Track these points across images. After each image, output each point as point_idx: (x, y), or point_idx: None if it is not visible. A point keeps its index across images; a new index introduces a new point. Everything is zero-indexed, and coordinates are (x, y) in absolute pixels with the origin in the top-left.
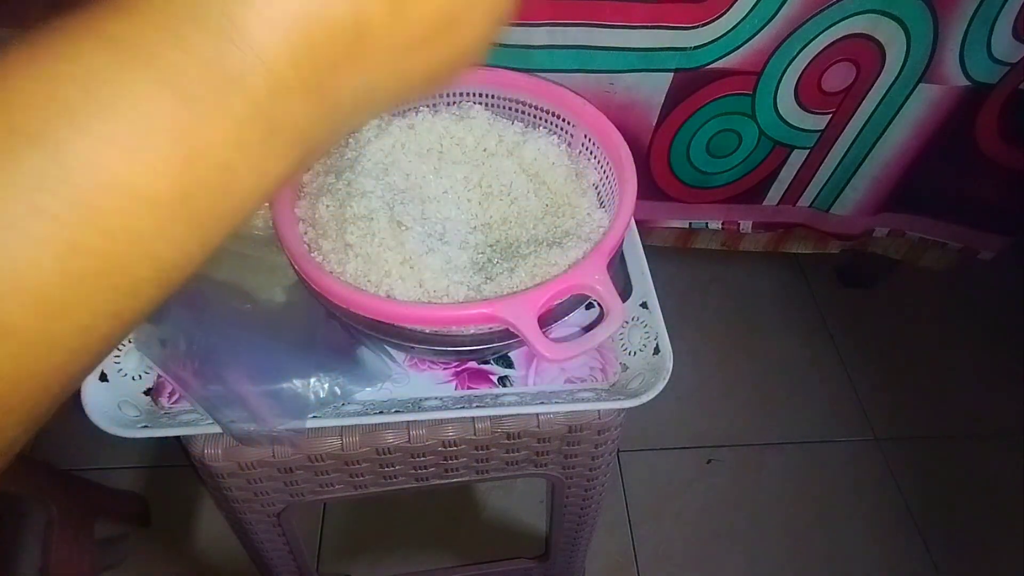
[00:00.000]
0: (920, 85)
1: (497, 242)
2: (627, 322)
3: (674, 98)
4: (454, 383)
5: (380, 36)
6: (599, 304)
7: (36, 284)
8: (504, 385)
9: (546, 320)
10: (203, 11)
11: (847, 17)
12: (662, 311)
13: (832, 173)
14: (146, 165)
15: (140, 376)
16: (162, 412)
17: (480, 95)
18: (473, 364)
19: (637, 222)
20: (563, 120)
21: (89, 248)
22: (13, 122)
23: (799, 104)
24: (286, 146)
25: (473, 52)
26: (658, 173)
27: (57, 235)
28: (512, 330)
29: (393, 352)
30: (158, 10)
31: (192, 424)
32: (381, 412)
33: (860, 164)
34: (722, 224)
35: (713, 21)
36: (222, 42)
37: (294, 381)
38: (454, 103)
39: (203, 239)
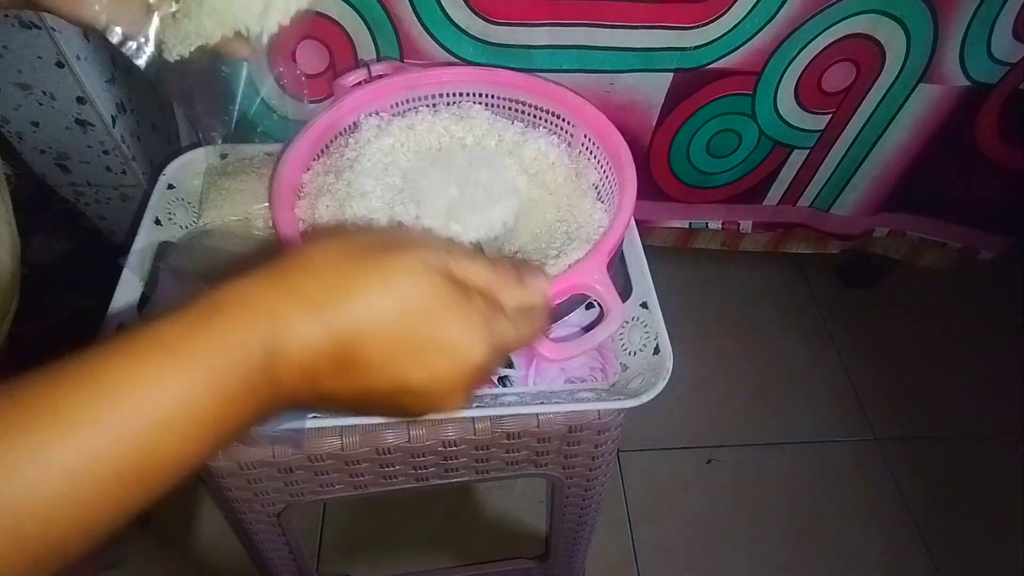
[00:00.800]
0: (920, 85)
1: (497, 242)
2: (627, 322)
3: (674, 98)
4: None
5: (338, 400)
6: (599, 304)
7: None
8: (504, 385)
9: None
10: (256, 337)
11: (847, 17)
12: (662, 311)
13: (832, 173)
14: (189, 445)
15: None
16: None
17: (480, 95)
18: None
19: (637, 222)
20: (563, 120)
21: (134, 498)
22: (113, 422)
23: (799, 104)
24: (256, 423)
25: (408, 416)
26: (658, 173)
27: (119, 492)
28: None
29: None
30: (239, 350)
31: None
32: None
33: (860, 164)
34: (722, 224)
35: (713, 21)
36: (262, 363)
37: None
38: (454, 103)
39: (198, 470)
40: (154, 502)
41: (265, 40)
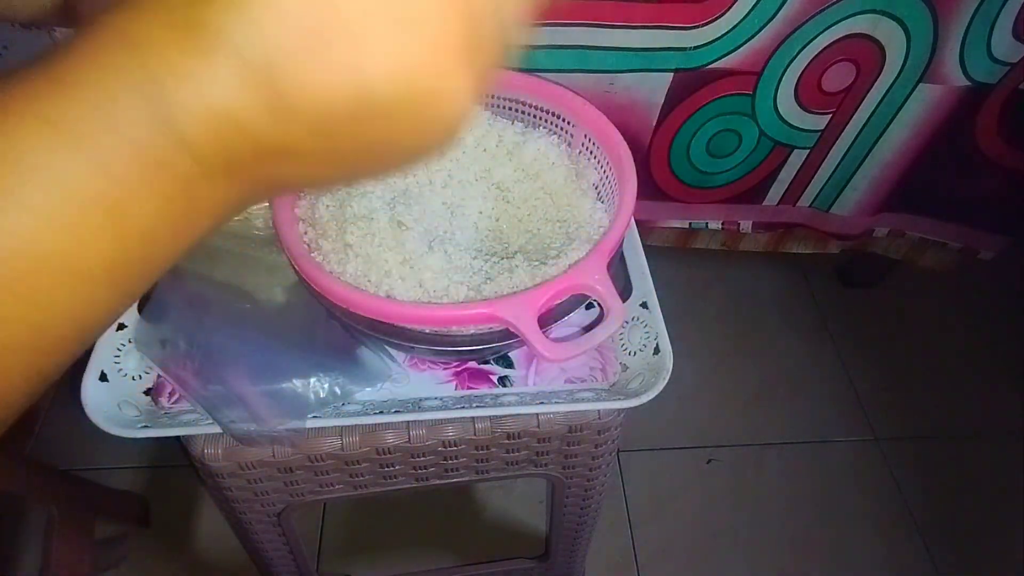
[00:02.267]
0: (920, 85)
1: (497, 242)
2: (627, 322)
3: (674, 98)
4: (454, 383)
5: (297, 146)
6: (599, 304)
7: None
8: (504, 385)
9: (546, 320)
10: (137, 98)
11: (847, 17)
12: (662, 311)
13: (832, 173)
14: (76, 238)
15: (140, 376)
16: (162, 412)
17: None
18: (473, 364)
19: (637, 222)
20: (563, 120)
21: (16, 317)
22: None
23: (799, 104)
24: (204, 217)
25: (408, 157)
26: (658, 173)
27: None
28: (512, 330)
29: (393, 352)
30: (96, 93)
31: (192, 424)
32: (381, 412)
33: (860, 164)
34: (722, 224)
35: (713, 21)
36: (154, 129)
37: (294, 381)
38: None
39: (124, 297)
40: (73, 322)
41: None
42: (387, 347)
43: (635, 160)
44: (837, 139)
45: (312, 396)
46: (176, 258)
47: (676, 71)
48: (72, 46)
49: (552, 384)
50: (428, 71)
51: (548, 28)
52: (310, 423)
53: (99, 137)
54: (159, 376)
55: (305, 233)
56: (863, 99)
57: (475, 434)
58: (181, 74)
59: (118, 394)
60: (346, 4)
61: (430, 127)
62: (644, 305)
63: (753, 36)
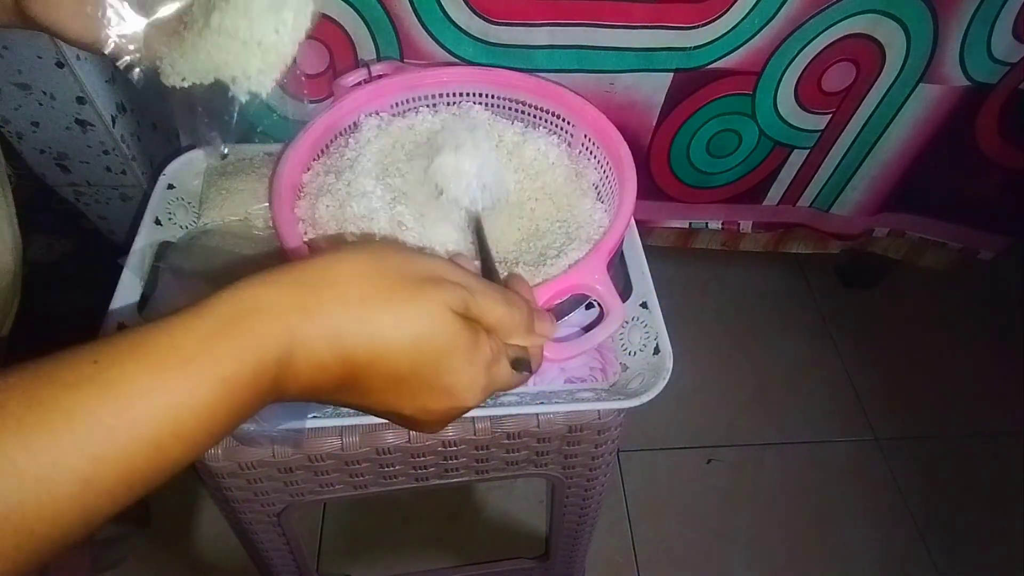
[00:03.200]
0: (920, 85)
1: (497, 242)
2: (627, 322)
3: (674, 98)
4: None
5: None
6: (599, 304)
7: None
8: None
9: None
10: (272, 369)
11: (847, 17)
12: (662, 311)
13: (832, 173)
14: (192, 448)
15: None
16: None
17: (480, 95)
18: None
19: (637, 222)
20: (563, 120)
21: (106, 491)
22: (114, 426)
23: (799, 104)
24: (238, 424)
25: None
26: (658, 173)
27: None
28: None
29: None
30: (254, 364)
31: None
32: None
33: (860, 164)
34: (722, 224)
35: (713, 21)
36: (271, 388)
37: None
38: (454, 103)
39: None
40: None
41: (261, 93)
42: None
43: (635, 160)
44: (837, 139)
45: None
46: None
47: (676, 71)
48: (243, 314)
49: (552, 384)
50: (430, 427)
51: (549, 28)
52: (310, 423)
53: (244, 392)
54: None
55: (305, 233)
56: (863, 99)
57: (475, 434)
58: (310, 358)
59: None
60: (426, 380)
61: (411, 428)
62: (644, 305)
63: (753, 36)
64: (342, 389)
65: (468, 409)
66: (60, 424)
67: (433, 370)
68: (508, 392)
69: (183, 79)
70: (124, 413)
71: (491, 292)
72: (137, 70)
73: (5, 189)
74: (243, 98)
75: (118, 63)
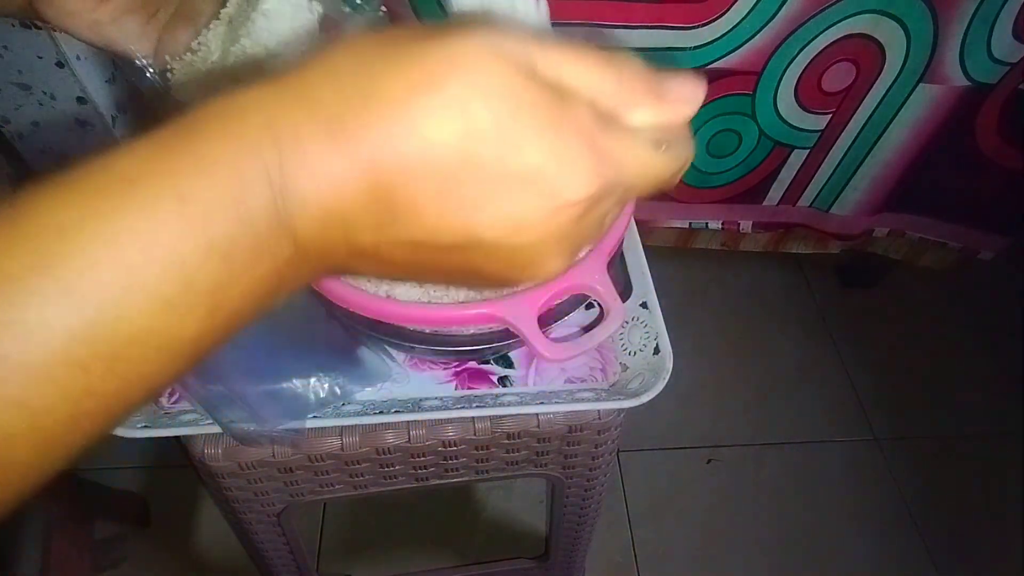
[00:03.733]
0: (920, 85)
1: None
2: (627, 322)
3: None
4: (454, 383)
5: (384, 256)
6: (599, 304)
7: (47, 426)
8: (504, 385)
9: (546, 320)
10: (266, 186)
11: (847, 17)
12: (662, 311)
13: (832, 173)
14: (177, 318)
15: None
16: (162, 412)
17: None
18: (473, 364)
19: (637, 222)
20: None
21: (104, 392)
22: (67, 279)
23: (799, 104)
24: (282, 296)
25: (481, 287)
26: None
27: (79, 382)
28: (512, 330)
29: (393, 352)
30: (230, 175)
31: (192, 424)
32: (381, 412)
33: (860, 164)
34: (722, 224)
35: (713, 21)
36: (272, 218)
37: (294, 381)
38: None
39: (196, 362)
40: (148, 394)
41: None
42: (387, 347)
43: None
44: (837, 139)
45: (312, 396)
46: (245, 327)
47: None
48: (210, 118)
49: (552, 384)
50: (535, 253)
51: None
52: (310, 423)
53: (222, 219)
54: None
55: None
56: (863, 99)
57: (475, 434)
58: (309, 166)
59: None
60: (490, 167)
61: (515, 279)
62: (644, 305)
63: (753, 36)
64: (384, 221)
65: (587, 208)
66: None
67: (500, 150)
68: (509, 392)
69: (188, 96)
70: (57, 272)
71: (573, 47)
72: (147, 77)
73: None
74: None
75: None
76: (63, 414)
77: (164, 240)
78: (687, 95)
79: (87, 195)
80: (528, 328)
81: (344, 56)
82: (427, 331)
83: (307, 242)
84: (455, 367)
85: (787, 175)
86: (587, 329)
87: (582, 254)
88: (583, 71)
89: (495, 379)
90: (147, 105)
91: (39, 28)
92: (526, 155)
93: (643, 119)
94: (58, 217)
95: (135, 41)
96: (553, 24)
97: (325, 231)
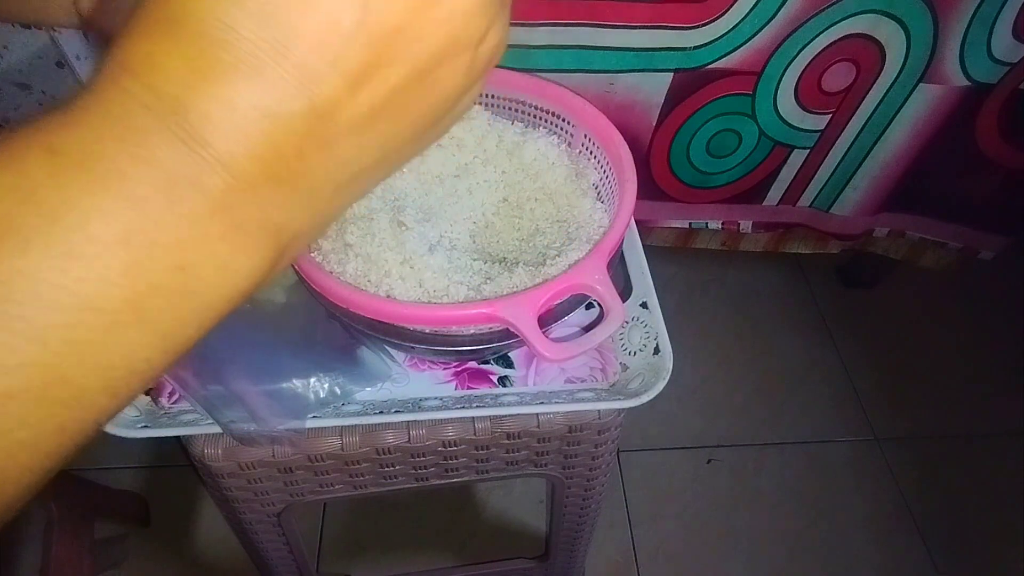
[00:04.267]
0: (920, 85)
1: (497, 242)
2: (627, 322)
3: (674, 98)
4: (454, 383)
5: (342, 114)
6: (599, 304)
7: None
8: (504, 385)
9: (546, 320)
10: (156, 119)
11: (847, 17)
12: (662, 311)
13: (832, 173)
14: (92, 273)
15: None
16: (162, 412)
17: (480, 95)
18: (473, 364)
19: (637, 222)
20: (563, 120)
21: (29, 363)
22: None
23: (799, 104)
24: (257, 238)
25: (453, 101)
26: (658, 173)
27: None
28: (512, 330)
29: (393, 352)
30: (107, 120)
31: (192, 424)
32: (381, 412)
33: (860, 164)
34: (722, 224)
35: (713, 21)
36: (176, 147)
37: (294, 381)
38: None
39: (164, 343)
40: (102, 361)
41: None
42: (387, 347)
43: (635, 160)
44: (837, 139)
45: (312, 396)
46: (233, 295)
47: (676, 71)
48: (80, 89)
49: (552, 384)
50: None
51: (548, 28)
52: (310, 423)
53: (113, 162)
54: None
55: None
56: (863, 99)
57: (475, 434)
58: (201, 88)
59: None
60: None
61: (468, 54)
62: (644, 305)
63: (753, 36)
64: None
65: None
66: None
67: None
68: (509, 392)
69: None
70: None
71: None
72: None
73: None
74: None
75: None
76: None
77: (53, 197)
78: None
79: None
80: (528, 328)
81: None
82: (427, 331)
83: (241, 160)
84: (455, 367)
85: (787, 175)
86: (587, 329)
87: (580, 254)
88: None
89: (495, 379)
90: None
91: (39, 28)
92: None
93: None
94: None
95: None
96: (553, 24)
97: (253, 137)
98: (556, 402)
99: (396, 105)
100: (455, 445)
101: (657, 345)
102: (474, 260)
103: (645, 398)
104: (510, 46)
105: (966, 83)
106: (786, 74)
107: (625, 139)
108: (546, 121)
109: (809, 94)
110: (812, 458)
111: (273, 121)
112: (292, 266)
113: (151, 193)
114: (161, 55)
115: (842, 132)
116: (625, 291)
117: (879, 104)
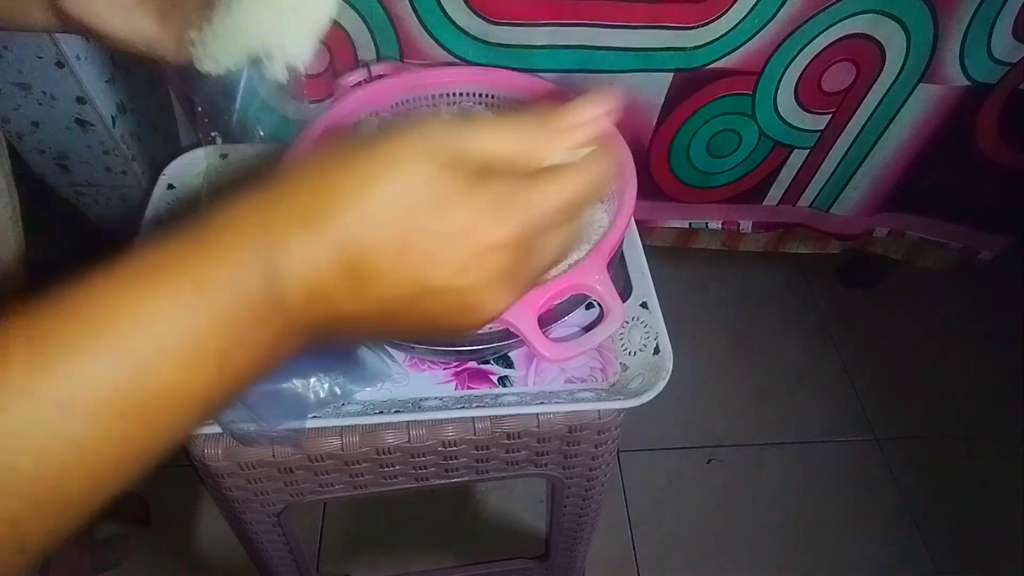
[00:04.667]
0: (920, 85)
1: None
2: (627, 322)
3: (674, 98)
4: (454, 383)
5: (366, 319)
6: (599, 304)
7: (95, 464)
8: (504, 385)
9: (546, 320)
10: (258, 268)
11: (847, 17)
12: (662, 311)
13: (832, 173)
14: (192, 377)
15: None
16: None
17: (480, 95)
18: (473, 364)
19: (637, 222)
20: None
21: (136, 438)
22: (112, 344)
23: (799, 104)
24: (278, 361)
25: (444, 334)
26: (658, 173)
27: (118, 427)
28: (512, 330)
29: (393, 352)
30: (231, 258)
31: None
32: (381, 412)
33: (860, 164)
34: (722, 224)
35: (713, 21)
36: (265, 293)
37: (294, 381)
38: (455, 103)
39: (209, 416)
40: (168, 443)
41: (299, 66)
42: (387, 347)
43: (635, 160)
44: (837, 139)
45: (312, 396)
46: (245, 390)
47: (676, 71)
48: (216, 220)
49: (552, 384)
50: (479, 293)
51: (549, 28)
52: (310, 423)
53: (227, 297)
54: None
55: None
56: (863, 99)
57: (475, 434)
58: (293, 253)
59: None
60: (428, 232)
61: (468, 322)
62: (644, 305)
63: (753, 36)
64: (356, 287)
65: (514, 246)
66: (36, 351)
67: (431, 216)
68: (509, 392)
69: (217, 63)
70: (100, 334)
71: (489, 124)
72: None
73: (12, 190)
74: (281, 76)
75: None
76: (106, 455)
77: (182, 314)
78: (581, 116)
79: (125, 282)
80: (528, 328)
81: (312, 163)
82: None
83: (295, 313)
84: (455, 367)
85: (787, 175)
86: (587, 329)
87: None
88: (496, 141)
89: (495, 379)
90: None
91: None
92: (452, 216)
93: (555, 155)
94: (105, 298)
95: (160, 32)
96: (554, 24)
97: (310, 302)
98: (556, 402)
99: (397, 316)
100: (455, 445)
101: (657, 345)
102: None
103: (645, 398)
104: (510, 46)
105: (966, 83)
106: (786, 74)
107: (625, 139)
108: None
109: (809, 94)
110: (812, 458)
111: (327, 300)
112: None
113: (243, 325)
114: (284, 225)
115: (842, 132)
116: (625, 291)
117: (879, 104)
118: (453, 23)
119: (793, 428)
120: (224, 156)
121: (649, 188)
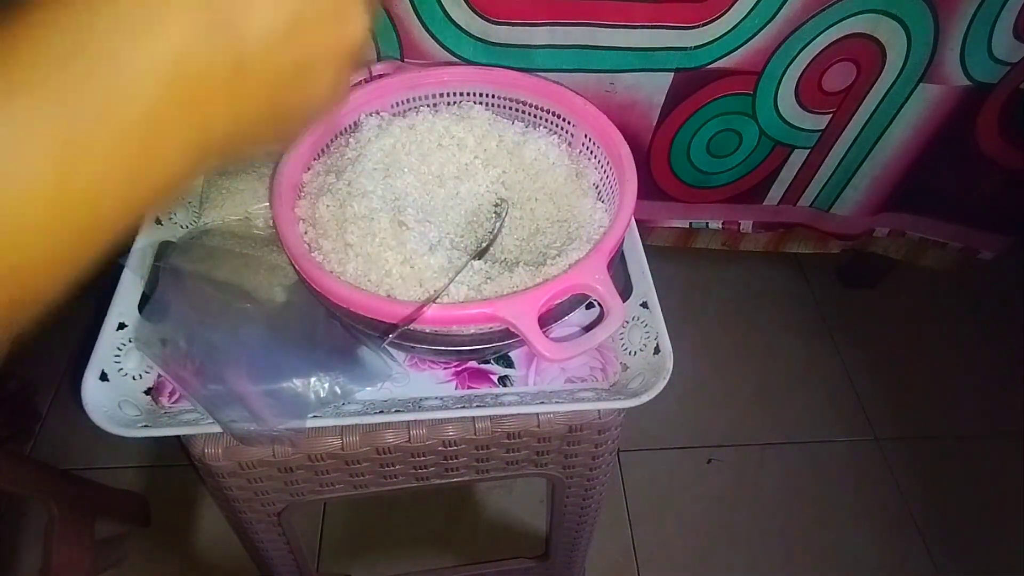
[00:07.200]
0: (921, 85)
1: (497, 242)
2: (627, 322)
3: (674, 98)
4: (454, 383)
5: (253, 76)
6: (599, 304)
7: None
8: (504, 385)
9: (546, 320)
10: (90, 46)
11: (848, 17)
12: (662, 311)
13: (832, 173)
14: (29, 165)
15: (140, 375)
16: (162, 411)
17: (480, 95)
18: (473, 364)
19: (637, 222)
20: (563, 120)
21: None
22: None
23: (800, 104)
24: (157, 165)
25: (329, 93)
26: (658, 173)
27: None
28: (512, 330)
29: (393, 352)
30: (51, 41)
31: (192, 424)
32: (381, 412)
33: (860, 164)
34: (722, 224)
35: (713, 21)
36: (106, 71)
37: (294, 381)
38: (455, 103)
39: (72, 252)
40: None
41: None
42: (388, 347)
43: (635, 160)
44: (838, 139)
45: (312, 396)
46: (125, 216)
47: (676, 71)
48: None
49: (552, 384)
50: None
51: (548, 28)
52: (310, 423)
53: (55, 77)
54: (159, 375)
55: (305, 232)
56: (864, 99)
57: (475, 434)
58: (136, 26)
59: (118, 393)
60: None
61: (343, 39)
62: (644, 305)
63: (753, 36)
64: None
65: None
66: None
67: None
68: (509, 392)
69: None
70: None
71: None
72: None
73: None
74: None
75: None
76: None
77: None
78: None
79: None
80: (528, 328)
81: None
82: (427, 331)
83: (160, 95)
84: (455, 367)
85: (787, 175)
86: (587, 329)
87: (580, 254)
88: None
89: (495, 379)
90: None
91: None
92: None
93: None
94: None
95: None
96: (553, 24)
97: (174, 74)
98: (556, 402)
99: (293, 80)
100: (455, 445)
101: (657, 345)
102: (474, 260)
103: (645, 398)
104: (510, 45)
105: (966, 83)
106: (786, 74)
107: (625, 139)
108: (546, 121)
109: (809, 94)
110: (812, 458)
111: (195, 65)
112: (292, 266)
113: (85, 110)
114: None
115: (843, 132)
116: (625, 291)
117: (879, 104)
118: (453, 23)
119: (793, 428)
120: None
121: (649, 188)
